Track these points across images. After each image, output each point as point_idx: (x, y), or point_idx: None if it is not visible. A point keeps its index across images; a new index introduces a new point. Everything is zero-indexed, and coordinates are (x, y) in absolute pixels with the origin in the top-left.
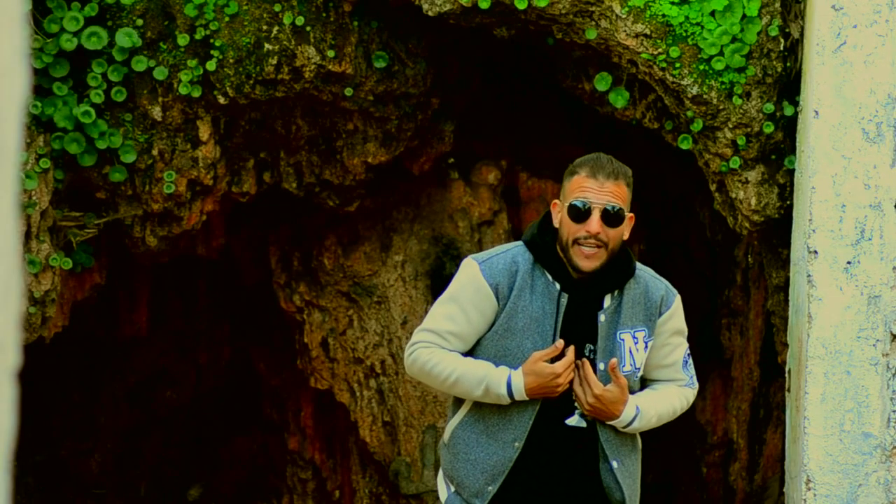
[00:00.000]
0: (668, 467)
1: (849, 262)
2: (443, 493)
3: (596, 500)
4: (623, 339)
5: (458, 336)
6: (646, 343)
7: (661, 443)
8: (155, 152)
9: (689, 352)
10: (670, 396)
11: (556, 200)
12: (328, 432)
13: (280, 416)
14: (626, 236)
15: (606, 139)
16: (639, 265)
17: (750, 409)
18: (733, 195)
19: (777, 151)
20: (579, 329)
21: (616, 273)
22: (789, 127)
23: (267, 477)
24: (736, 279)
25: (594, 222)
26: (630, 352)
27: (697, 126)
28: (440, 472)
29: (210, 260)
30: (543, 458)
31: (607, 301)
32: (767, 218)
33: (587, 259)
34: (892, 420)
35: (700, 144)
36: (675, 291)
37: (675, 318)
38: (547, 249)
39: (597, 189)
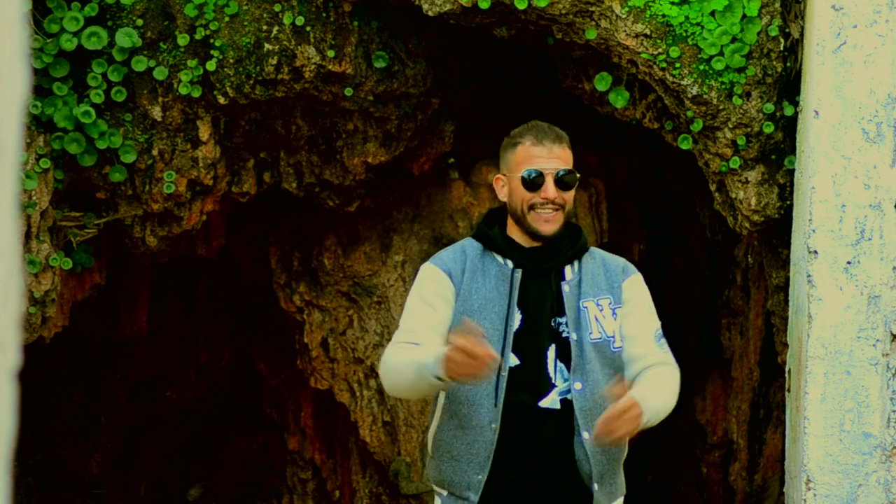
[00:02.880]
0: (668, 467)
1: (849, 262)
2: (438, 503)
3: (569, 475)
4: (586, 307)
5: (427, 327)
6: (613, 310)
7: (661, 443)
8: (155, 152)
9: (661, 332)
10: (664, 386)
11: (499, 175)
12: (328, 432)
13: (280, 416)
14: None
15: (606, 139)
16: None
17: (750, 409)
18: (733, 195)
19: (777, 151)
20: (544, 304)
21: (569, 243)
22: (789, 127)
23: (267, 477)
24: (736, 279)
25: (550, 188)
26: (596, 319)
27: (697, 126)
28: (435, 493)
29: (210, 260)
30: (523, 442)
31: (568, 273)
32: (767, 218)
33: (547, 223)
34: (892, 420)
35: (700, 144)
36: (634, 267)
37: (638, 286)
38: (494, 235)
39: (546, 155)
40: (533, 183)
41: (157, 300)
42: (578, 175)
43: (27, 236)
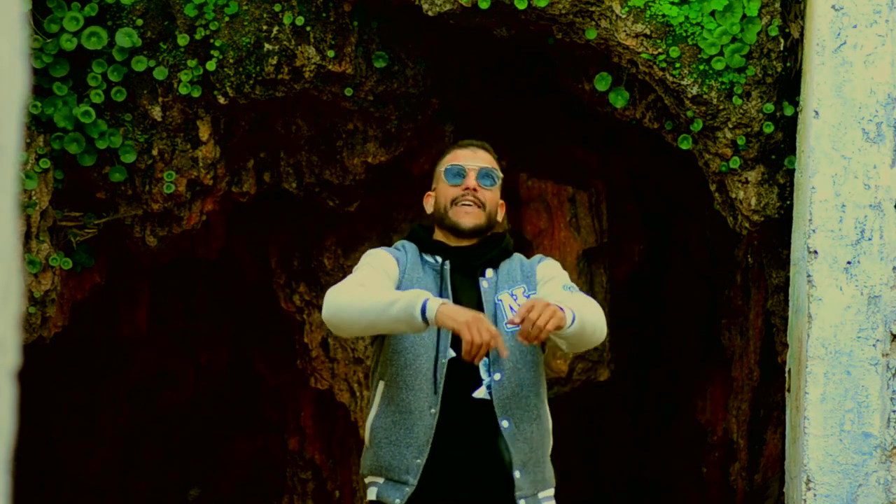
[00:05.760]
0: (668, 467)
1: (849, 262)
2: (372, 493)
3: (493, 463)
4: (501, 300)
5: (376, 282)
6: (527, 297)
7: (661, 443)
8: (155, 152)
9: (572, 286)
10: (578, 302)
11: (429, 192)
12: (328, 432)
13: (280, 416)
14: (500, 217)
15: (606, 139)
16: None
17: (750, 409)
18: (733, 195)
19: (777, 151)
20: (466, 301)
21: (493, 246)
22: (789, 127)
23: (267, 477)
24: (736, 279)
25: (470, 179)
26: (510, 308)
27: (697, 126)
28: (367, 486)
29: (210, 260)
30: (458, 429)
31: (489, 273)
32: (767, 218)
33: (467, 215)
34: (892, 420)
35: (700, 144)
36: (550, 258)
37: (550, 266)
38: (428, 237)
39: (470, 155)
40: (456, 175)
41: (157, 300)
42: (501, 176)
43: (27, 236)
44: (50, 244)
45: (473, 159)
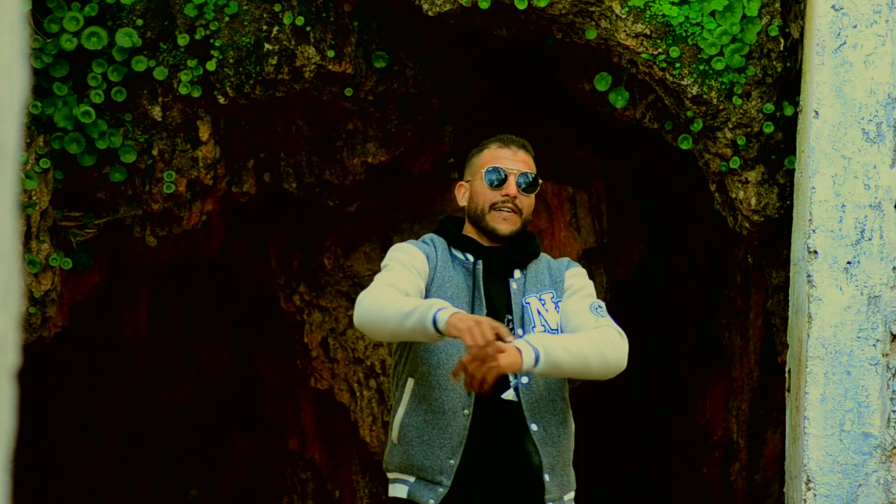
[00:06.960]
0: (668, 467)
1: (849, 262)
2: (401, 491)
3: (523, 466)
4: (529, 303)
5: (411, 285)
6: (555, 304)
7: (661, 443)
8: (155, 152)
9: (600, 305)
10: (580, 335)
11: (462, 182)
12: (328, 432)
13: (280, 417)
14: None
15: (606, 139)
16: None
17: (750, 409)
18: (733, 195)
19: (777, 151)
20: (498, 302)
21: (524, 248)
22: (789, 127)
23: (267, 477)
24: (736, 279)
25: (511, 186)
26: (538, 313)
27: (697, 126)
28: (393, 482)
29: (210, 260)
30: (489, 431)
31: (517, 274)
32: (767, 218)
33: (505, 222)
34: (892, 420)
35: (700, 144)
36: (577, 263)
37: (578, 275)
38: (457, 232)
39: (511, 157)
40: (496, 180)
41: (157, 300)
42: (541, 182)
43: (27, 236)
44: (50, 244)
45: (514, 161)
